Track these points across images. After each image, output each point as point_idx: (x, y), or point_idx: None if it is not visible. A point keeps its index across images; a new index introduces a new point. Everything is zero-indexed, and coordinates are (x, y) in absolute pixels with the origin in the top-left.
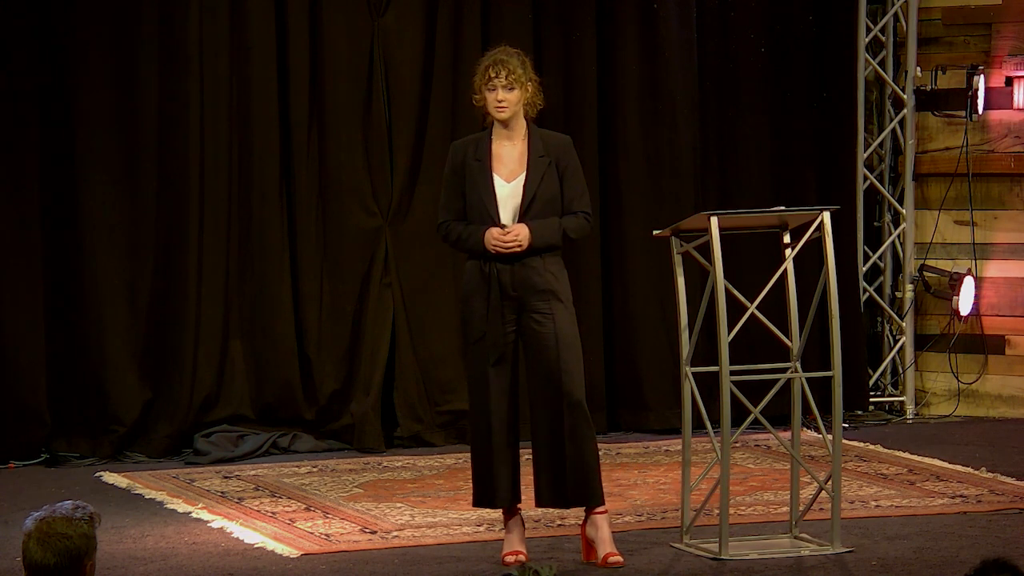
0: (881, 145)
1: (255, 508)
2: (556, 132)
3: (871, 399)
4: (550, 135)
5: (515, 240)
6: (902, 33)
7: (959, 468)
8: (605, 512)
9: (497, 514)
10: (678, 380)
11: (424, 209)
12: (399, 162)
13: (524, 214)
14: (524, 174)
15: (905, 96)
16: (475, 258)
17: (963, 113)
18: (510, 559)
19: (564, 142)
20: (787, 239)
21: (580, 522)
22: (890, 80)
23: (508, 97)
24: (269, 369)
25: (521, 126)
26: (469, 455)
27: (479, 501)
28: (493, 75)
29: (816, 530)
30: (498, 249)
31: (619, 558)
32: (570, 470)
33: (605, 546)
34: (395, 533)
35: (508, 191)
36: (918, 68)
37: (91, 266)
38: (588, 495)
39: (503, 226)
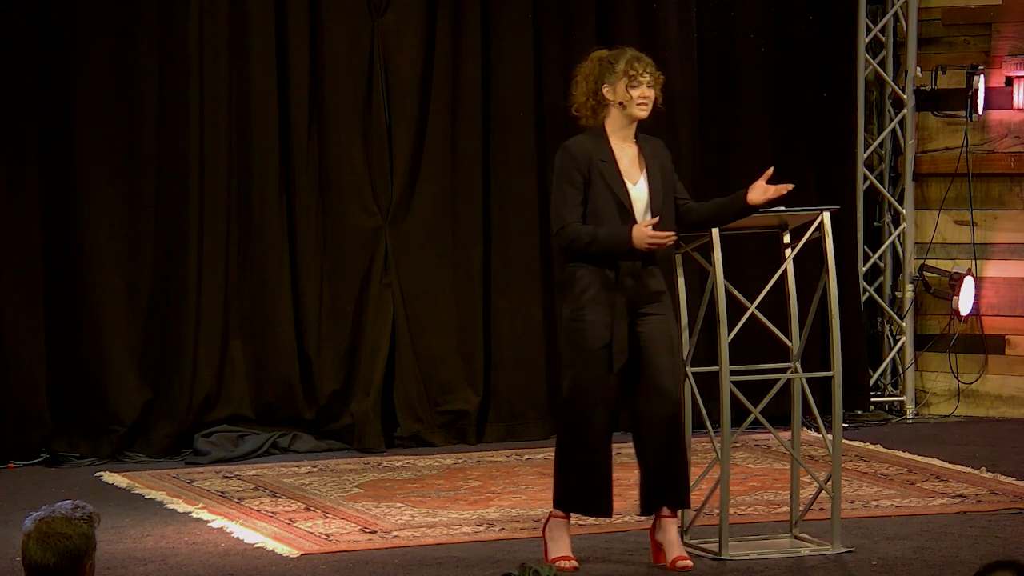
0: (881, 145)
1: (255, 508)
2: (649, 135)
3: (871, 399)
4: (649, 137)
5: (670, 235)
6: (902, 33)
7: (959, 468)
8: (674, 516)
9: (498, 515)
10: None
11: (424, 209)
12: (399, 162)
13: (654, 216)
14: (645, 177)
15: (905, 96)
16: (590, 263)
17: (963, 113)
18: (565, 564)
19: (663, 145)
20: (787, 239)
21: (579, 523)
22: (890, 80)
23: (651, 94)
24: (269, 369)
25: (635, 128)
26: (563, 457)
27: (587, 508)
28: (640, 70)
29: (816, 530)
30: (653, 244)
31: (688, 562)
32: (681, 473)
33: (674, 549)
34: (395, 533)
35: (634, 193)
36: (918, 68)
37: (91, 266)
38: (688, 497)
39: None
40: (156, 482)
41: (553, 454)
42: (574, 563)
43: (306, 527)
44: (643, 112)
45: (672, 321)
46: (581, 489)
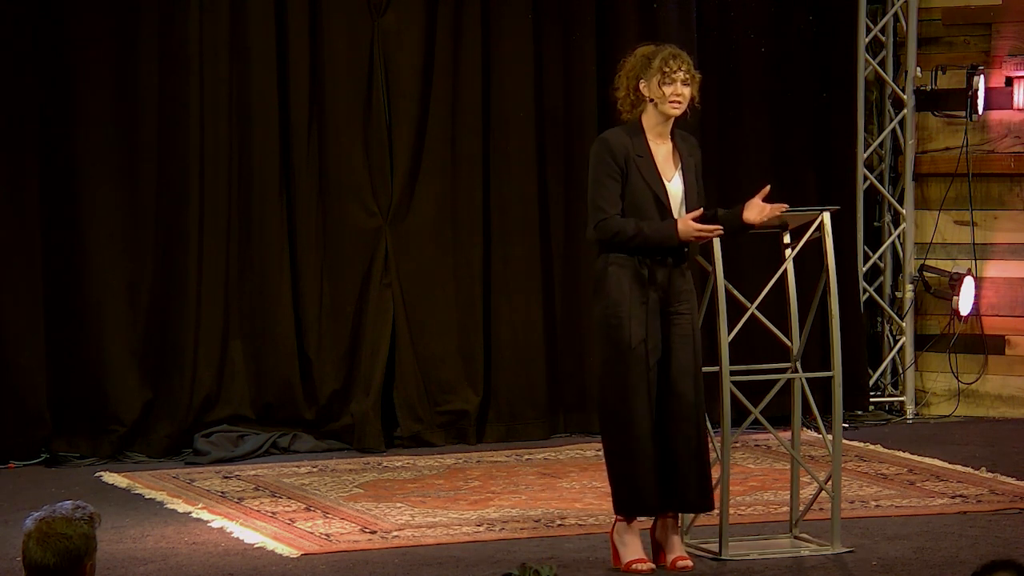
0: (881, 145)
1: (255, 508)
2: (685, 132)
3: (871, 399)
4: (686, 135)
5: (717, 228)
6: (902, 33)
7: (959, 468)
8: (676, 516)
9: (498, 515)
10: None
11: (424, 209)
12: (399, 162)
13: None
14: (679, 174)
15: (905, 96)
16: (625, 258)
17: (963, 113)
18: (641, 567)
19: (697, 144)
20: (787, 239)
21: (580, 523)
22: (890, 80)
23: (685, 92)
24: (269, 369)
25: (671, 124)
26: (614, 461)
27: (638, 509)
28: (675, 67)
29: (816, 530)
30: (700, 236)
31: (688, 562)
32: (704, 475)
33: (675, 549)
34: (395, 533)
35: (671, 190)
36: (918, 68)
37: (91, 266)
38: (712, 499)
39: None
40: (156, 482)
41: (602, 456)
42: (650, 565)
43: (306, 527)
44: (675, 110)
45: (697, 321)
46: (633, 488)
